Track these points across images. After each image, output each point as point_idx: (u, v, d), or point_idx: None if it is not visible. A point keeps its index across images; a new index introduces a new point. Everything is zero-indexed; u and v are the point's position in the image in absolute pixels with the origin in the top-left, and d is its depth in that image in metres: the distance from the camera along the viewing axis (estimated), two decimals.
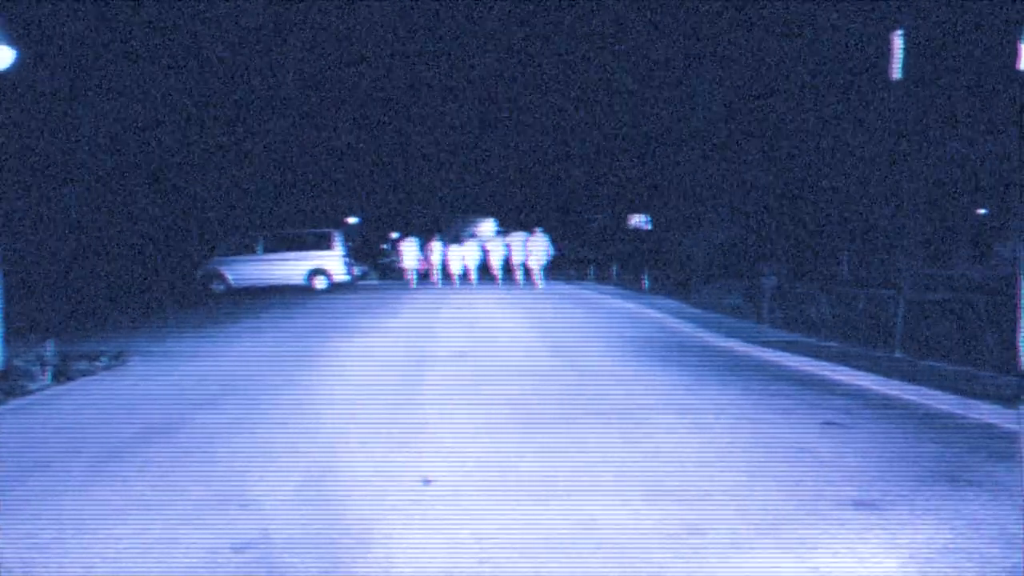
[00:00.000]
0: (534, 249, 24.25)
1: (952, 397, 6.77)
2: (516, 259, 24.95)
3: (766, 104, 22.69)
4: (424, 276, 26.88)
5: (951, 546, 3.65)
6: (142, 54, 24.96)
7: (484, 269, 26.21)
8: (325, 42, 35.18)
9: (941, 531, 3.83)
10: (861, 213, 19.04)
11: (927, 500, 4.27)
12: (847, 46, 19.20)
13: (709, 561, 3.57)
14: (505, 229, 37.89)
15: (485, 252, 26.23)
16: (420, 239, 26.96)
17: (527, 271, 24.65)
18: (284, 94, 33.10)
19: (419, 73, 42.89)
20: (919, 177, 16.90)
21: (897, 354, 9.23)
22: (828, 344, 10.49)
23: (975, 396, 6.64)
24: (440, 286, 25.11)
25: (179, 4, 26.10)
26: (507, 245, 25.79)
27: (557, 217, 46.87)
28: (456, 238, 27.53)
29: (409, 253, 26.33)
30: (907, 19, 17.27)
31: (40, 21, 20.23)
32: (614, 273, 27.15)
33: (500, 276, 25.88)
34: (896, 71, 17.75)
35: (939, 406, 6.72)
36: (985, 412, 6.28)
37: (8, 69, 9.70)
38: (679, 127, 27.48)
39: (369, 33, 38.38)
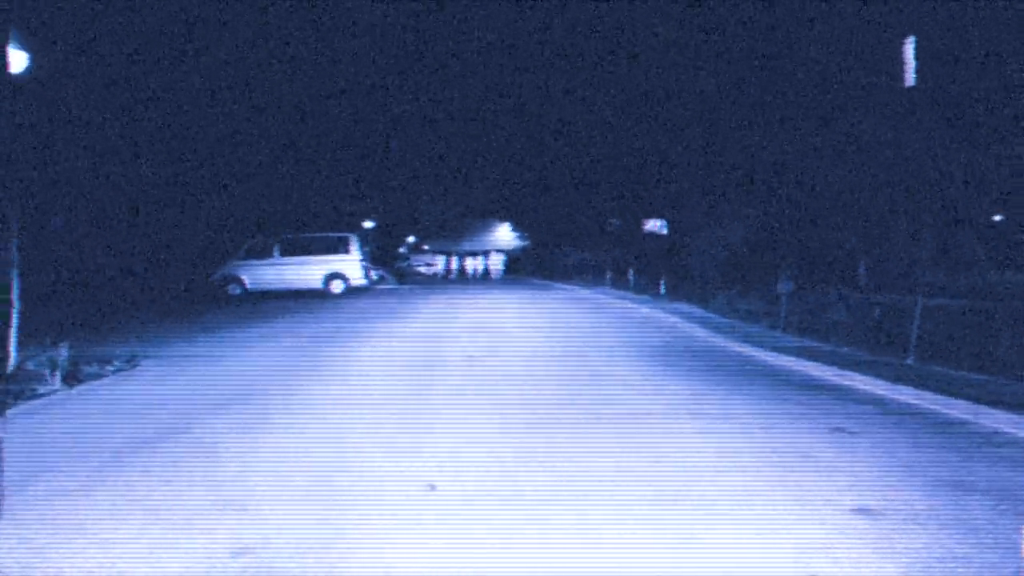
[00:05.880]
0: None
1: (962, 403, 6.73)
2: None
3: (783, 107, 22.53)
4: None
5: (951, 553, 3.63)
6: (162, 54, 25.13)
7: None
8: (345, 46, 35.33)
9: (942, 538, 3.80)
10: (878, 219, 18.84)
11: (929, 506, 4.24)
12: (863, 50, 19.03)
13: (710, 566, 3.55)
14: (521, 234, 59.10)
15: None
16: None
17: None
18: (304, 98, 33.24)
19: (437, 78, 43.00)
20: (935, 182, 16.70)
21: (909, 360, 9.11)
22: (842, 350, 10.39)
23: (985, 403, 6.59)
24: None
25: (202, 3, 26.29)
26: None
27: (573, 221, 46.79)
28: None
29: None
30: (922, 24, 17.10)
31: (51, 20, 20.43)
32: (631, 278, 27.06)
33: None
34: (910, 78, 17.58)
35: (948, 412, 6.67)
36: (994, 418, 6.23)
37: (23, 73, 9.80)
38: (696, 130, 27.32)
39: (389, 38, 38.53)
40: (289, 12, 30.82)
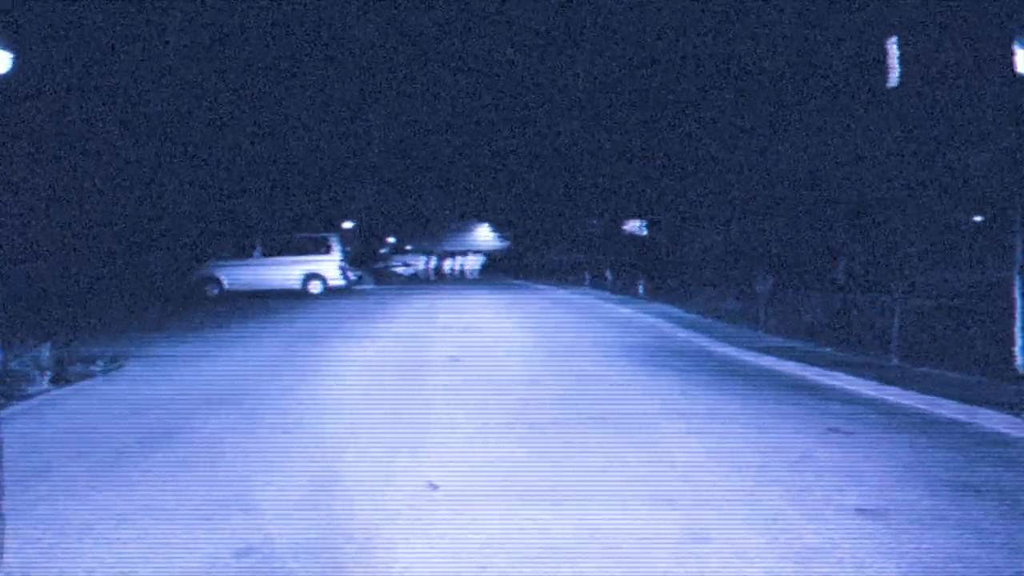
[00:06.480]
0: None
1: (953, 403, 6.76)
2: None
3: (761, 107, 22.74)
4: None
5: (955, 554, 3.63)
6: (144, 50, 24.89)
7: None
8: (324, 45, 35.16)
9: (945, 539, 3.80)
10: (857, 217, 19.07)
11: (931, 508, 4.24)
12: (843, 50, 19.22)
13: (713, 568, 3.55)
14: (500, 234, 62.78)
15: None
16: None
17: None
18: (285, 98, 33.04)
19: (415, 77, 42.90)
20: (916, 181, 16.93)
21: (894, 361, 9.24)
22: (825, 350, 10.51)
23: (976, 403, 6.62)
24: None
25: (176, 4, 26.08)
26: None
27: (552, 222, 46.91)
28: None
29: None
30: (903, 24, 17.31)
31: (45, 16, 20.21)
32: (609, 278, 27.19)
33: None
34: (893, 78, 17.78)
35: (940, 412, 6.68)
36: (988, 419, 6.26)
37: (7, 73, 9.71)
38: (676, 130, 27.50)
39: (366, 36, 38.38)
40: (269, 12, 30.64)
